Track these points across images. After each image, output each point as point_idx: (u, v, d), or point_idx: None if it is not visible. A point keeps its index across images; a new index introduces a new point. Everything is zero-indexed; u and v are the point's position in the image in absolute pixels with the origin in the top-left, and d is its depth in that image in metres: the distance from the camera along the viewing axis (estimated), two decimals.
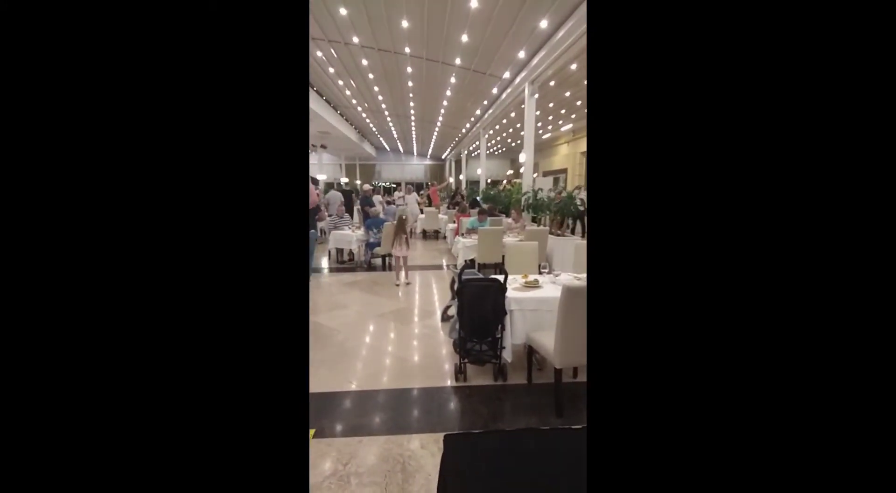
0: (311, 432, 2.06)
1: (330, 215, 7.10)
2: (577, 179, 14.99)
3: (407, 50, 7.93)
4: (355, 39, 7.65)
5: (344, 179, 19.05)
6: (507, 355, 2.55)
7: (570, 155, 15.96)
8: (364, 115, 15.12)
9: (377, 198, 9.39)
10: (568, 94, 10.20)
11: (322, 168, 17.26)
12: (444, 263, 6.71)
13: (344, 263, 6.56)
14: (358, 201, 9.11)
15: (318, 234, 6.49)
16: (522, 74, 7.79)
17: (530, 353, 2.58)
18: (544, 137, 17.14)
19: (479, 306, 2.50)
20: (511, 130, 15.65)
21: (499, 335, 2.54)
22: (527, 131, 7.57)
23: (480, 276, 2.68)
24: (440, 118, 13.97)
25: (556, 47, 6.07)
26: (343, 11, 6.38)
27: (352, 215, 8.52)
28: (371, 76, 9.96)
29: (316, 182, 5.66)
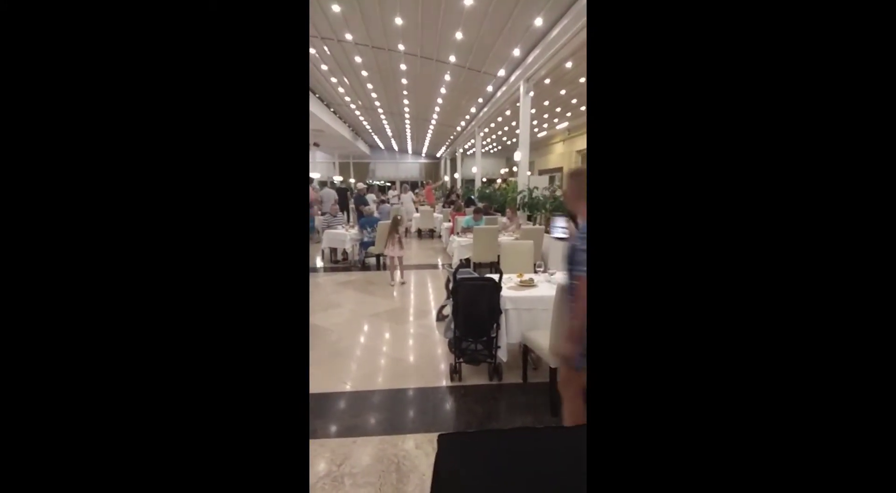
0: None
1: (323, 214, 7.06)
2: None
3: (401, 47, 7.89)
4: (349, 36, 7.60)
5: (338, 178, 18.99)
6: (502, 355, 2.55)
7: (566, 154, 16.01)
8: (358, 112, 15.06)
9: (371, 197, 9.35)
10: (563, 92, 10.20)
11: (315, 166, 17.18)
12: (440, 262, 6.70)
13: (338, 262, 6.53)
14: (352, 200, 9.08)
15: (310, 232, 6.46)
16: (517, 72, 7.78)
17: (525, 352, 2.57)
18: (540, 135, 17.16)
19: (474, 306, 2.49)
20: (506, 129, 15.66)
21: (494, 335, 2.53)
22: (522, 129, 7.57)
23: (475, 275, 2.68)
24: (435, 116, 13.95)
25: (550, 45, 6.07)
26: (336, 8, 6.32)
27: (347, 214, 8.50)
28: (365, 74, 9.91)
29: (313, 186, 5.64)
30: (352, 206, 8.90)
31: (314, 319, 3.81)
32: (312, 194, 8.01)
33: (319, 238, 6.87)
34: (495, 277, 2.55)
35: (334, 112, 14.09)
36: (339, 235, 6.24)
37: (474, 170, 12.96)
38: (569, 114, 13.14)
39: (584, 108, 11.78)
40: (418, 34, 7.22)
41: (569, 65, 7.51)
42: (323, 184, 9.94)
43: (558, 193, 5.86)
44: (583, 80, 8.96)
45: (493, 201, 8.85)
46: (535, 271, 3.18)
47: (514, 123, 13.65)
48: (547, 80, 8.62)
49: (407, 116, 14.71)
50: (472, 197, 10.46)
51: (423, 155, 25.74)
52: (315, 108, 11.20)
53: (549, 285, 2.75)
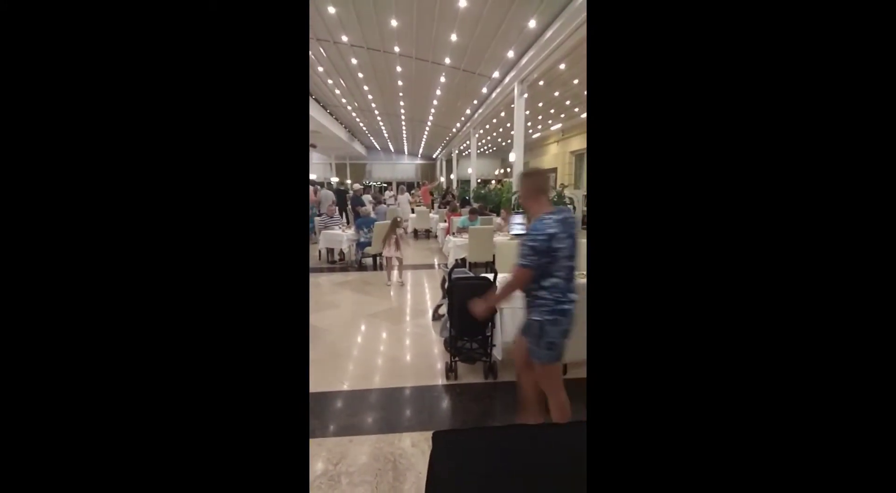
0: None
1: (320, 215, 7.06)
2: (566, 178, 15.09)
3: (396, 49, 7.90)
4: (344, 38, 7.60)
5: (335, 179, 18.95)
6: (497, 353, 2.57)
7: (560, 154, 16.06)
8: (354, 114, 15.04)
9: (367, 197, 9.36)
10: (557, 93, 10.25)
11: (312, 168, 17.11)
12: (436, 262, 6.71)
13: (335, 263, 6.53)
14: (349, 201, 9.09)
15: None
16: (512, 74, 7.81)
17: None
18: (534, 136, 17.21)
19: (469, 305, 2.51)
20: (501, 130, 15.69)
21: (489, 334, 2.55)
22: (516, 131, 7.60)
23: (471, 275, 2.70)
24: (430, 118, 13.95)
25: (544, 47, 6.10)
26: (332, 10, 6.33)
27: (346, 216, 8.49)
28: (361, 75, 9.91)
29: (314, 184, 5.64)
30: (349, 206, 8.89)
31: (311, 319, 3.82)
32: (312, 196, 8.01)
33: (316, 239, 6.86)
34: (490, 276, 2.57)
35: (331, 113, 14.06)
36: (336, 235, 6.24)
37: (470, 171, 12.98)
38: (563, 115, 13.18)
39: (577, 109, 11.84)
40: (413, 36, 7.24)
41: (562, 66, 7.56)
42: (319, 185, 9.92)
43: (551, 194, 5.89)
44: (576, 81, 9.01)
45: (488, 202, 8.87)
46: None
47: (508, 125, 13.68)
48: (541, 82, 8.66)
49: (403, 117, 14.71)
50: (468, 197, 10.48)
51: (420, 156, 25.71)
52: (311, 109, 11.17)
53: None
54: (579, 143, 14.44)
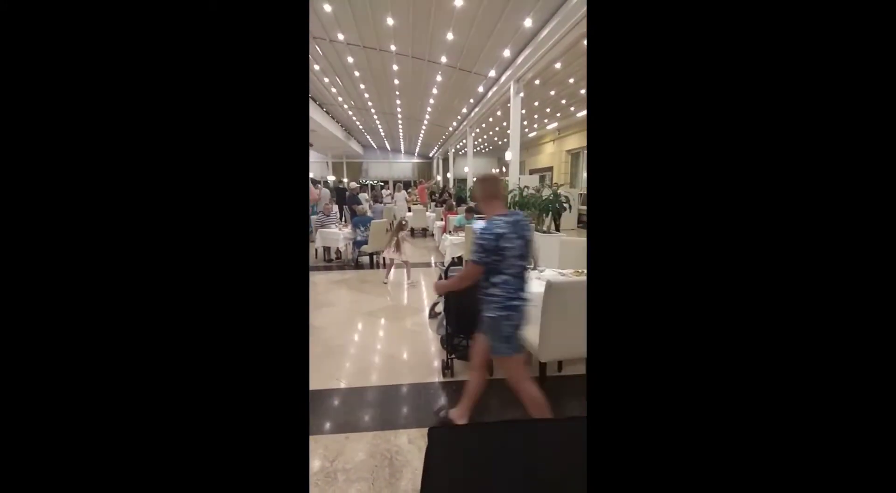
0: None
1: (316, 214, 7.04)
2: (562, 177, 15.12)
3: (392, 48, 7.89)
4: (340, 36, 7.58)
5: (331, 178, 18.91)
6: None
7: (556, 153, 16.08)
8: (350, 112, 15.00)
9: (364, 196, 9.35)
10: (552, 92, 10.26)
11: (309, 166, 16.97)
12: (433, 260, 6.73)
13: (331, 261, 6.52)
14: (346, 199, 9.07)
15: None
16: (508, 73, 7.82)
17: None
18: (530, 135, 17.23)
19: (465, 303, 2.52)
20: (497, 129, 15.69)
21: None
22: (512, 130, 7.61)
23: None
24: (427, 116, 13.93)
25: (540, 46, 6.12)
26: (328, 8, 6.31)
27: (342, 213, 8.48)
28: (357, 74, 9.88)
29: (315, 183, 5.62)
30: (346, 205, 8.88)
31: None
32: (313, 193, 7.98)
33: (313, 237, 6.86)
34: None
35: (327, 112, 14.01)
36: (333, 234, 6.24)
37: (466, 169, 12.98)
38: (558, 114, 13.21)
39: (573, 108, 11.87)
40: (409, 34, 7.23)
41: (558, 65, 7.57)
42: (316, 183, 9.90)
43: (547, 192, 5.91)
44: (572, 80, 9.03)
45: None
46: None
47: (504, 124, 13.66)
48: (537, 81, 8.68)
49: (399, 116, 14.68)
50: (464, 196, 10.48)
51: (416, 155, 25.67)
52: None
53: (538, 281, 2.79)
54: (575, 142, 14.46)
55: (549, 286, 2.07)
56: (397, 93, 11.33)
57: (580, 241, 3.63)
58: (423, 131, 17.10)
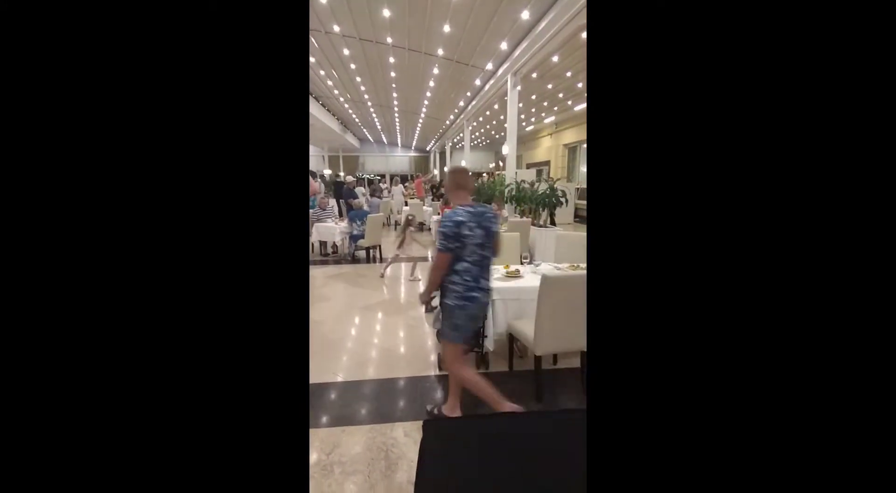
0: None
1: (314, 207, 7.02)
2: (559, 171, 15.11)
3: (389, 40, 7.83)
4: (336, 28, 7.51)
5: (327, 171, 18.82)
6: (489, 344, 2.59)
7: (553, 147, 16.07)
8: (346, 105, 14.90)
9: (360, 190, 9.33)
10: (550, 86, 10.23)
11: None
12: (429, 254, 6.73)
13: (328, 255, 6.52)
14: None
15: None
16: (505, 66, 7.78)
17: (511, 341, 2.63)
18: (527, 129, 17.19)
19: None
20: (495, 122, 15.65)
21: (481, 325, 2.58)
22: (509, 123, 7.59)
23: None
24: (424, 110, 13.87)
25: (537, 39, 6.08)
26: (323, 0, 6.25)
27: (340, 208, 8.45)
28: (353, 66, 9.81)
29: (314, 175, 5.58)
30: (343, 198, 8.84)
31: None
32: (313, 185, 7.94)
33: (310, 231, 6.84)
34: None
35: (323, 105, 13.93)
36: (329, 228, 6.22)
37: (463, 163, 12.96)
38: (556, 108, 13.17)
39: (570, 102, 11.84)
40: (406, 26, 7.17)
41: (555, 59, 7.54)
42: (314, 175, 9.85)
43: (543, 186, 5.91)
44: (569, 74, 8.99)
45: (480, 194, 8.88)
46: (522, 263, 3.23)
47: (501, 117, 13.65)
48: (534, 75, 8.64)
49: (396, 109, 14.60)
50: None
51: (413, 148, 25.59)
52: None
53: (534, 275, 2.80)
54: (572, 135, 14.45)
55: (545, 280, 2.08)
56: (394, 86, 11.26)
57: (576, 235, 3.64)
58: (419, 125, 17.02)
